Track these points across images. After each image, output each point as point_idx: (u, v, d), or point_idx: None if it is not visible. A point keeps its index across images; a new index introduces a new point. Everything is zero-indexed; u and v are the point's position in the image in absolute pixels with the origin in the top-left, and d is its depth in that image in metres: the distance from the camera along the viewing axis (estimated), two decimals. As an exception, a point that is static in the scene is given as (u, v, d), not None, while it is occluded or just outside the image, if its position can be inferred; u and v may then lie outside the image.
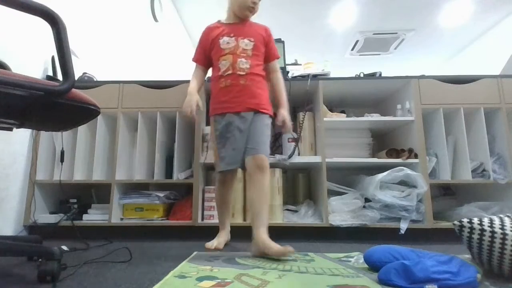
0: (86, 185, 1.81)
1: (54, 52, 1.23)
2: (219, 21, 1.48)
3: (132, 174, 1.76)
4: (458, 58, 4.72)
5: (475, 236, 0.87)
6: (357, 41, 4.39)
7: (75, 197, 1.73)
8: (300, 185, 1.96)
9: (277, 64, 1.46)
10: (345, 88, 1.89)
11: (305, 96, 1.84)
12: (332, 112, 1.87)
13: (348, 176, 1.85)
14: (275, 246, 1.10)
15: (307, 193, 1.94)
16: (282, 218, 1.65)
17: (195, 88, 1.39)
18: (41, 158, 1.68)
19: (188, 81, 1.81)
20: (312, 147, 1.80)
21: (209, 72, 1.50)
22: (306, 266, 0.98)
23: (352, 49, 4.62)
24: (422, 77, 1.76)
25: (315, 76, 1.80)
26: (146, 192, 1.71)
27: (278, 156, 1.70)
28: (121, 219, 1.67)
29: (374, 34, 4.18)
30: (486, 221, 0.88)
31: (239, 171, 1.70)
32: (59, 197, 1.76)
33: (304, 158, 1.71)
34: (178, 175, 1.70)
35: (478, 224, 0.88)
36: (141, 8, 2.84)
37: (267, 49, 1.42)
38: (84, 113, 0.94)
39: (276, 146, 2.17)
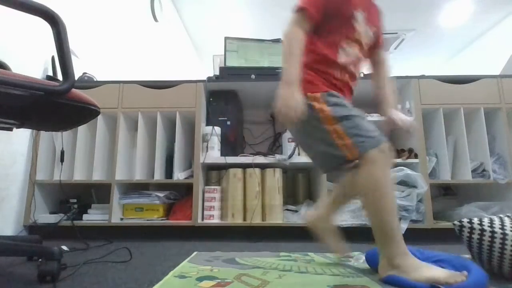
0: (86, 185, 1.81)
1: (54, 52, 1.23)
2: None
3: (132, 174, 1.76)
4: (458, 58, 4.72)
5: (475, 236, 0.87)
6: (357, 41, 4.39)
7: (75, 197, 1.73)
8: (300, 185, 1.96)
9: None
10: (345, 88, 1.88)
11: (305, 96, 1.85)
12: (332, 112, 1.87)
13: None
14: None
15: (307, 193, 1.94)
16: (282, 218, 1.65)
17: (297, 76, 0.86)
18: (41, 158, 1.68)
19: (188, 81, 1.83)
20: (312, 147, 1.79)
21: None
22: (306, 266, 0.98)
23: (352, 49, 4.61)
24: (422, 77, 1.76)
25: (315, 76, 1.80)
26: (146, 192, 1.71)
27: (278, 156, 1.70)
28: (121, 219, 1.67)
29: (374, 34, 4.18)
30: (486, 221, 0.88)
31: (240, 170, 1.70)
32: (59, 197, 1.76)
33: (304, 158, 1.71)
34: (178, 175, 1.70)
35: (478, 224, 0.88)
36: (141, 8, 2.84)
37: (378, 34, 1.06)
38: (84, 113, 0.94)
39: (276, 146, 2.17)
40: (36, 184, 1.64)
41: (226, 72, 1.83)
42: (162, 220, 1.66)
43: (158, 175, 1.71)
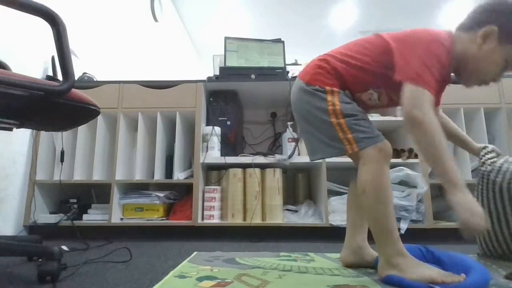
0: (86, 185, 1.81)
1: (54, 52, 1.23)
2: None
3: (132, 174, 1.76)
4: (458, 58, 4.71)
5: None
6: (357, 41, 4.39)
7: (75, 197, 1.73)
8: (300, 185, 1.96)
9: None
10: (345, 88, 1.88)
11: (305, 96, 1.84)
12: (332, 112, 1.87)
13: (348, 176, 1.84)
14: None
15: (307, 193, 1.94)
16: (282, 218, 1.65)
17: (459, 174, 0.78)
18: (41, 158, 1.67)
19: (188, 81, 1.83)
20: (312, 147, 1.79)
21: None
22: (306, 266, 0.98)
23: (352, 49, 4.61)
24: (422, 77, 1.75)
25: (315, 76, 1.80)
26: (146, 192, 1.71)
27: (278, 156, 1.70)
28: (121, 219, 1.67)
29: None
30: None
31: (240, 170, 1.71)
32: (59, 197, 1.76)
33: (304, 158, 1.71)
34: (178, 175, 1.70)
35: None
36: (141, 8, 2.84)
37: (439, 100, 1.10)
38: (84, 113, 0.94)
39: (276, 146, 2.17)
40: (36, 184, 1.64)
41: (226, 72, 1.83)
42: (162, 220, 1.66)
43: (158, 175, 1.71)
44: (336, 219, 1.58)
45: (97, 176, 1.70)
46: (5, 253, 0.90)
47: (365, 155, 0.82)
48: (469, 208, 0.73)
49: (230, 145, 1.79)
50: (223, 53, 1.90)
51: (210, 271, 0.91)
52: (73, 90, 0.83)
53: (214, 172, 1.80)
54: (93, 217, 1.67)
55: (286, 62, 1.95)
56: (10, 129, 1.05)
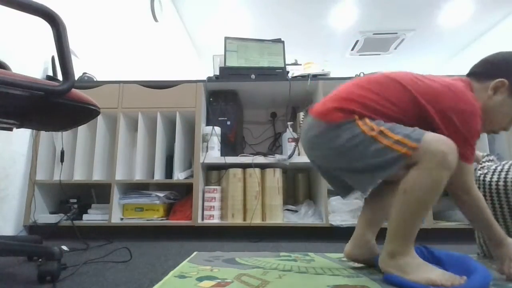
0: (86, 185, 1.81)
1: (54, 52, 1.23)
2: None
3: (132, 174, 1.76)
4: (458, 58, 4.72)
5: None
6: (357, 41, 4.39)
7: (75, 197, 1.73)
8: (300, 185, 1.96)
9: None
10: (345, 88, 1.88)
11: (305, 96, 1.85)
12: (332, 112, 1.87)
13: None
14: None
15: (307, 193, 1.94)
16: (282, 218, 1.65)
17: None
18: (41, 158, 1.67)
19: (188, 81, 1.83)
20: (312, 147, 1.79)
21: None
22: (306, 266, 0.98)
23: (352, 49, 4.62)
24: (422, 77, 1.75)
25: (315, 76, 1.80)
26: (146, 192, 1.71)
27: (278, 156, 1.70)
28: (121, 219, 1.67)
29: (374, 34, 4.18)
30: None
31: (240, 170, 1.71)
32: (59, 197, 1.76)
33: (304, 158, 1.71)
34: (178, 175, 1.70)
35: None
36: (141, 8, 2.84)
37: None
38: (84, 113, 0.94)
39: (276, 146, 2.17)
40: (36, 184, 1.64)
41: (226, 72, 1.83)
42: (162, 220, 1.66)
43: (158, 175, 1.71)
44: (336, 219, 1.57)
45: (97, 176, 1.70)
46: (5, 253, 0.90)
47: (426, 146, 0.72)
48: None
49: (230, 145, 1.80)
50: (223, 53, 1.90)
51: (210, 271, 0.91)
52: (73, 90, 0.83)
53: (214, 172, 1.80)
54: (93, 217, 1.67)
55: (286, 62, 1.95)
56: (10, 129, 1.05)
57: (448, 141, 0.75)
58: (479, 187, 1.10)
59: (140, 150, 1.74)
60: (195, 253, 1.21)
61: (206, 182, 1.79)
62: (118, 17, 2.42)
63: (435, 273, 0.74)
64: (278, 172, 1.72)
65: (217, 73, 1.93)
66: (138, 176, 1.70)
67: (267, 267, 0.97)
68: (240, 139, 2.01)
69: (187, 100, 1.75)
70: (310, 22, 3.94)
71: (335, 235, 1.57)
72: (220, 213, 1.69)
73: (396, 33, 4.16)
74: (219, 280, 0.81)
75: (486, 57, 0.92)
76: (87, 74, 1.87)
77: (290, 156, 1.68)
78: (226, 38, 1.93)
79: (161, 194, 1.69)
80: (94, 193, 1.91)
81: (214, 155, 1.70)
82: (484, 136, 1.64)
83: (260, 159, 1.70)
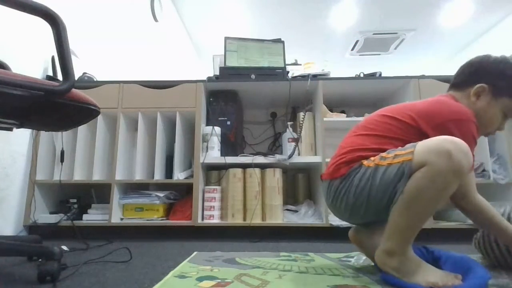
0: (86, 185, 1.81)
1: (54, 52, 1.23)
2: None
3: (132, 174, 1.76)
4: (458, 58, 4.72)
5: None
6: (357, 41, 4.39)
7: (75, 197, 1.73)
8: (300, 185, 1.96)
9: None
10: (345, 88, 1.89)
11: (305, 96, 1.85)
12: (332, 112, 1.87)
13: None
14: None
15: (307, 193, 1.94)
16: (282, 218, 1.65)
17: None
18: (41, 158, 1.67)
19: (188, 81, 1.82)
20: (312, 147, 1.79)
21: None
22: (306, 266, 0.98)
23: (352, 49, 4.62)
24: (422, 77, 1.76)
25: (315, 76, 1.80)
26: (146, 192, 1.71)
27: (278, 156, 1.70)
28: (121, 219, 1.67)
29: (374, 34, 4.18)
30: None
31: (240, 170, 1.71)
32: (59, 197, 1.76)
33: (304, 158, 1.71)
34: (178, 175, 1.70)
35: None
36: (141, 8, 2.84)
37: None
38: (84, 113, 0.94)
39: (276, 146, 2.17)
40: (36, 184, 1.64)
41: (226, 72, 1.83)
42: (162, 220, 1.66)
43: (158, 175, 1.71)
44: (336, 219, 1.57)
45: (97, 176, 1.70)
46: (5, 253, 0.90)
47: (432, 156, 0.72)
48: None
49: (230, 145, 1.79)
50: (223, 53, 1.90)
51: (210, 271, 0.91)
52: (73, 90, 0.83)
53: (214, 172, 1.80)
54: (93, 217, 1.67)
55: (286, 62, 1.95)
56: (10, 129, 1.05)
57: (446, 138, 0.75)
58: None
59: (140, 150, 1.74)
60: (195, 253, 1.21)
61: (206, 182, 1.79)
62: (118, 17, 2.42)
63: (434, 275, 0.74)
64: (278, 172, 1.72)
65: (217, 73, 1.93)
66: (138, 176, 1.70)
67: (267, 267, 0.97)
68: (240, 139, 2.01)
69: (187, 100, 1.75)
70: (310, 22, 3.94)
71: (335, 235, 1.57)
72: (220, 213, 1.69)
73: (396, 33, 4.17)
74: (219, 280, 0.81)
75: (462, 66, 0.96)
76: (87, 74, 1.87)
77: (290, 156, 1.68)
78: (226, 38, 1.93)
79: (161, 194, 1.69)
80: (94, 193, 1.91)
81: (214, 155, 1.70)
82: (484, 137, 1.64)
83: (260, 159, 1.70)
